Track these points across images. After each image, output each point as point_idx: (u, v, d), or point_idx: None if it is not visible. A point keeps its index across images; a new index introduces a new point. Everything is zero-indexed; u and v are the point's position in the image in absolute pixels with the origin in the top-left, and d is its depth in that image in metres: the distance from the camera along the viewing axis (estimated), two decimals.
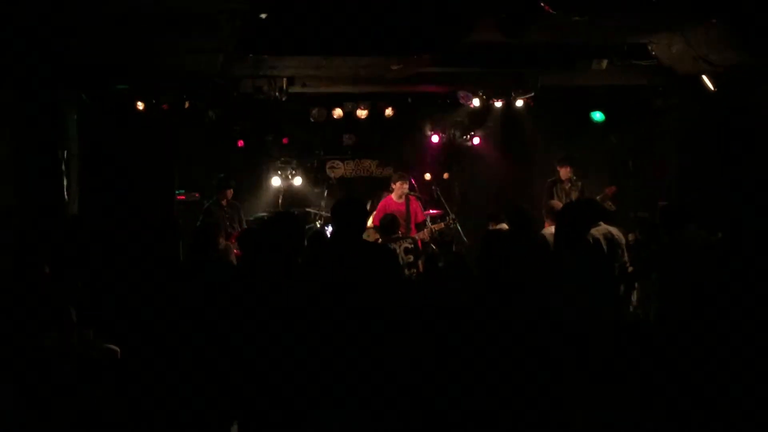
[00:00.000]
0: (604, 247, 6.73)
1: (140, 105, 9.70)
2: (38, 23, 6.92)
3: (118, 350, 5.84)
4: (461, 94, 11.28)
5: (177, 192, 11.11)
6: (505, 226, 7.59)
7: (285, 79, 9.87)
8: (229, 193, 9.88)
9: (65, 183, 8.94)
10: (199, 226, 8.85)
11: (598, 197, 9.53)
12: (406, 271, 8.15)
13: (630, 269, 6.76)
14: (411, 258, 8.40)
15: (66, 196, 8.98)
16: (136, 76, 9.41)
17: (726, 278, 5.39)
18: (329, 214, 10.24)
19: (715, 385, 5.14)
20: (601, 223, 7.00)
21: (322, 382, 4.84)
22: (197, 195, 11.00)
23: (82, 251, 7.48)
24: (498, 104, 11.32)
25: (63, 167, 8.78)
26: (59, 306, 5.69)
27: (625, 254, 6.99)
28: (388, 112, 11.48)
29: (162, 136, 10.57)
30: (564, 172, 10.31)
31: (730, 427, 4.99)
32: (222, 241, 8.71)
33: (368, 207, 10.27)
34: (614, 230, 7.04)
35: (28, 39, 7.24)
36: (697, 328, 5.38)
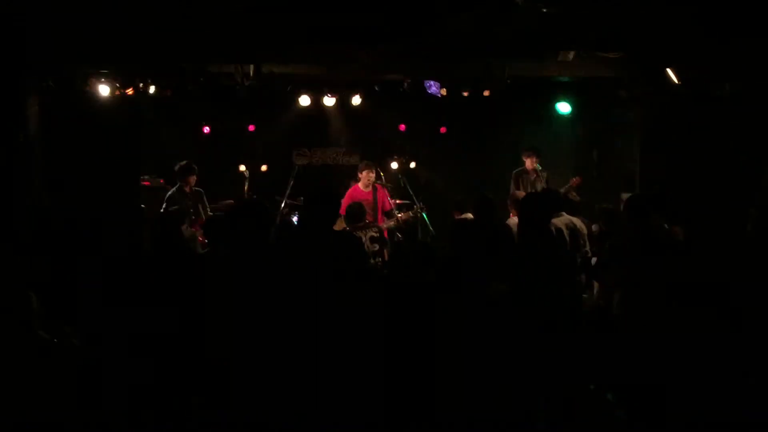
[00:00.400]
0: (567, 237, 6.82)
1: (105, 90, 9.57)
2: None
3: (81, 337, 5.78)
4: (429, 83, 11.27)
5: (141, 177, 10.97)
6: (470, 215, 7.64)
7: (252, 65, 9.79)
8: (193, 179, 9.73)
9: (27, 169, 8.81)
10: (162, 213, 8.78)
11: (563, 189, 9.61)
12: (372, 260, 8.16)
13: (593, 260, 6.84)
14: (377, 247, 8.41)
15: (28, 182, 8.84)
16: (100, 60, 9.28)
17: (688, 269, 5.46)
18: (295, 202, 10.23)
19: (678, 376, 5.21)
20: (564, 213, 7.09)
21: (292, 370, 4.84)
22: (162, 180, 10.88)
23: (45, 237, 7.39)
24: (465, 94, 11.33)
25: (24, 152, 8.64)
26: (19, 290, 5.61)
27: (587, 244, 7.09)
28: (356, 100, 11.44)
29: (127, 122, 10.44)
30: (529, 162, 10.40)
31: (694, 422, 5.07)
32: (186, 229, 8.65)
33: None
34: (576, 221, 7.14)
35: None
36: (659, 319, 5.44)
